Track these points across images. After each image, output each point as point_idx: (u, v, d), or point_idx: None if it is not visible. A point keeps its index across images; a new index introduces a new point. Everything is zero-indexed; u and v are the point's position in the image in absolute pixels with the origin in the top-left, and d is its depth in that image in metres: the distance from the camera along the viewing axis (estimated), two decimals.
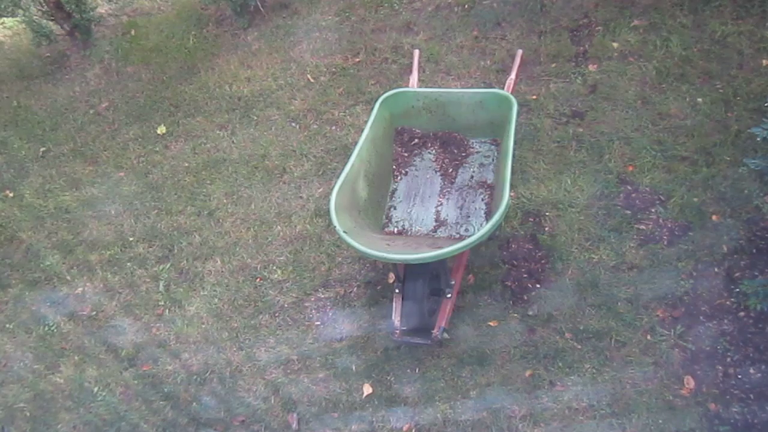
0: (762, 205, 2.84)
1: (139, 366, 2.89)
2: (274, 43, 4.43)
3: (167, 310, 3.08)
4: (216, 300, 3.07)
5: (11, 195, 3.86)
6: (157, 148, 3.93)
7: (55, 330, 3.09)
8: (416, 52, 3.29)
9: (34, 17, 4.64)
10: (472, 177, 2.95)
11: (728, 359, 2.44)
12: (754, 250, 2.71)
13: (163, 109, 4.18)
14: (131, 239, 3.43)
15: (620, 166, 3.15)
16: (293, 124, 3.84)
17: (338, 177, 2.56)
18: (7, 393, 2.89)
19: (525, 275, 2.85)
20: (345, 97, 3.92)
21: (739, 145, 3.07)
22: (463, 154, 3.04)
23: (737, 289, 2.59)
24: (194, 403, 2.73)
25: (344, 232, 2.32)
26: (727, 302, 2.59)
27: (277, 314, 2.96)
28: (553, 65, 3.75)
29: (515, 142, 2.67)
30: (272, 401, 2.68)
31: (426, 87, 3.68)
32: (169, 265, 3.26)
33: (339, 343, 2.80)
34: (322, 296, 2.98)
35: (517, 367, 2.58)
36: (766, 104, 2.98)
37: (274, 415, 2.63)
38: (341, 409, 2.60)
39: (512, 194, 3.10)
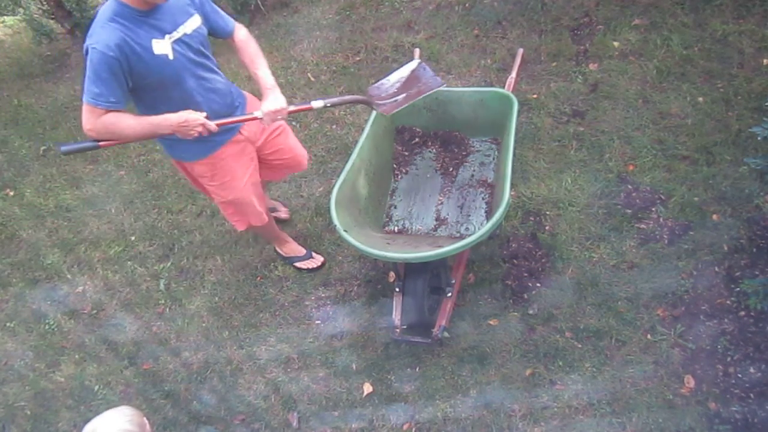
0: (762, 205, 2.84)
1: (139, 364, 2.90)
2: (274, 41, 4.43)
3: (168, 309, 3.08)
4: (216, 298, 3.07)
5: (12, 194, 3.86)
6: (158, 147, 3.92)
7: (56, 328, 3.09)
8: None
9: (35, 16, 4.65)
10: (472, 176, 2.95)
11: (728, 358, 2.43)
12: (755, 250, 2.71)
13: None
14: (132, 238, 3.43)
15: (621, 165, 3.15)
16: (293, 123, 3.84)
17: (339, 176, 2.55)
18: (7, 391, 2.89)
19: (525, 274, 2.85)
20: None
21: (740, 144, 3.07)
22: (464, 153, 3.04)
23: (737, 289, 2.59)
24: (194, 402, 2.73)
25: (344, 230, 2.32)
26: (728, 301, 2.59)
27: (277, 313, 2.96)
28: (554, 64, 3.75)
29: (516, 141, 2.67)
30: (272, 400, 2.68)
31: None
32: (169, 263, 3.27)
33: (339, 341, 2.80)
34: (323, 295, 2.98)
35: (517, 365, 2.58)
36: (766, 103, 2.97)
37: (274, 414, 2.63)
38: (341, 407, 2.60)
39: (513, 193, 3.10)
